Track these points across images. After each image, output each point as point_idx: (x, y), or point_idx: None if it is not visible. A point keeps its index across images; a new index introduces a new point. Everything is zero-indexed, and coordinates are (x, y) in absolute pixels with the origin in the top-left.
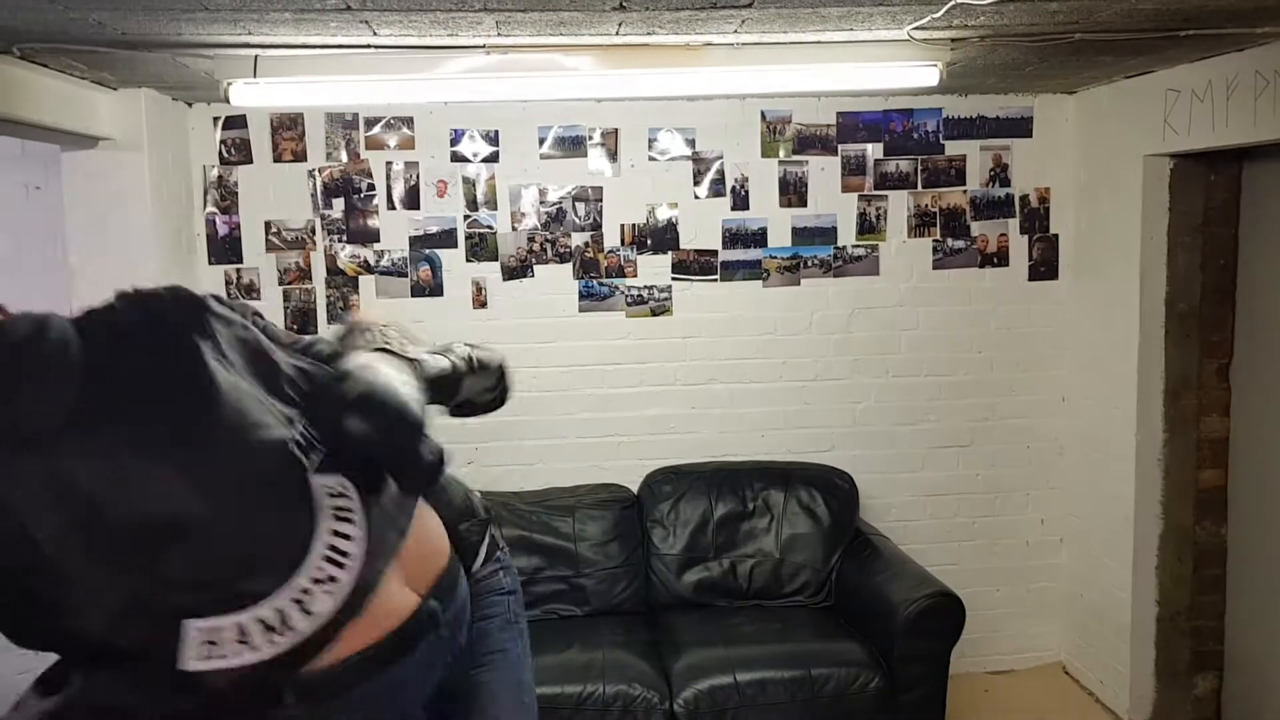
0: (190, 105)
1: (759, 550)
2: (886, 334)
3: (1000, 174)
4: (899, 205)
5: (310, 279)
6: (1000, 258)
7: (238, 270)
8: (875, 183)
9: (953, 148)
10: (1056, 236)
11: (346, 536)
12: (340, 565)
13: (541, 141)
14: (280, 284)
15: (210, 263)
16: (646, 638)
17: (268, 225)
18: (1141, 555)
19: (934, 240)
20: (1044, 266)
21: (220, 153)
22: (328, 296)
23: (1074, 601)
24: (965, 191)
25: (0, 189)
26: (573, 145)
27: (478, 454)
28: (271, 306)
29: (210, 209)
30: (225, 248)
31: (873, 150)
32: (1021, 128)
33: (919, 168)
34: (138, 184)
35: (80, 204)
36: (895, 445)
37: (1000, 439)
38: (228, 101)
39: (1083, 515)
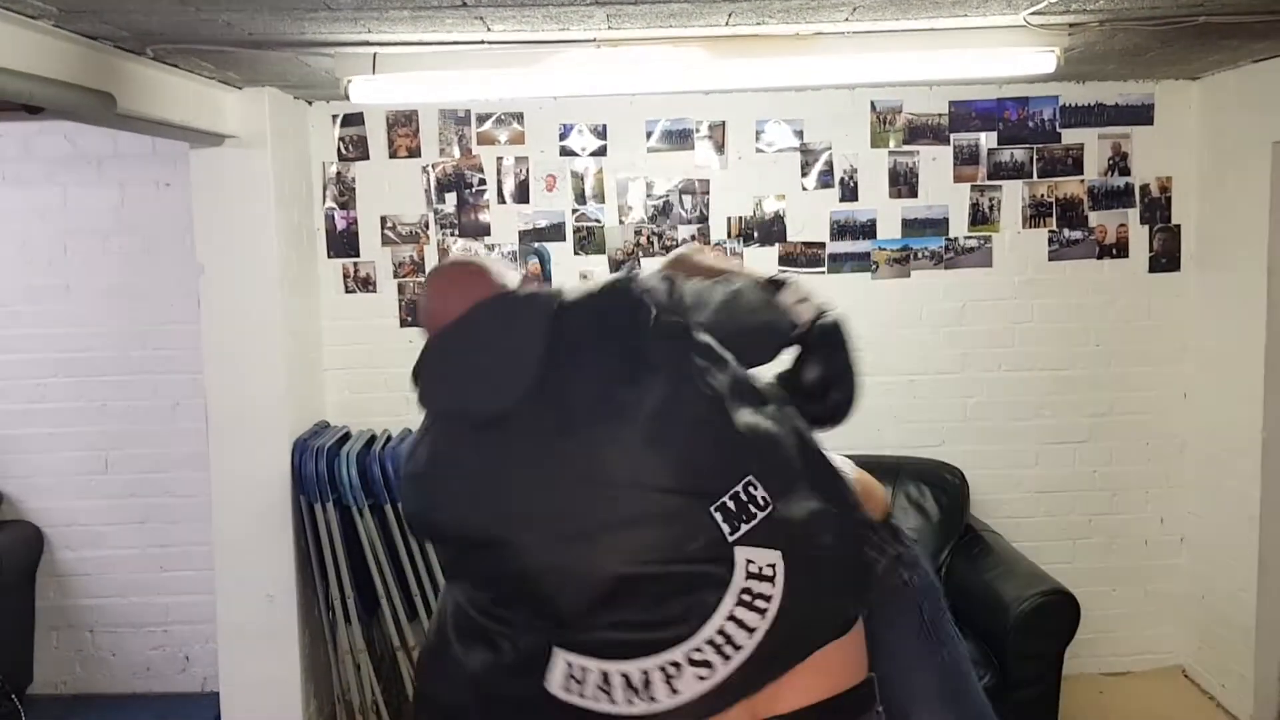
0: (310, 104)
1: None
2: (999, 327)
3: (1119, 163)
4: (1013, 195)
5: (423, 272)
6: (1119, 249)
7: (354, 264)
8: (989, 172)
9: (1070, 136)
10: (1179, 227)
11: (746, 627)
12: (725, 655)
13: (649, 135)
14: (395, 277)
15: (329, 256)
16: None
17: (383, 220)
18: (1268, 555)
19: (1050, 231)
20: (1165, 258)
21: (339, 149)
22: None
23: (1194, 603)
24: (1083, 181)
25: (132, 186)
26: (680, 138)
27: None
28: (386, 299)
29: (329, 204)
30: (343, 242)
31: (986, 139)
32: (1142, 115)
33: (1034, 157)
34: (261, 180)
35: (207, 200)
36: (1008, 440)
37: (1118, 435)
38: (347, 98)
39: (1204, 514)
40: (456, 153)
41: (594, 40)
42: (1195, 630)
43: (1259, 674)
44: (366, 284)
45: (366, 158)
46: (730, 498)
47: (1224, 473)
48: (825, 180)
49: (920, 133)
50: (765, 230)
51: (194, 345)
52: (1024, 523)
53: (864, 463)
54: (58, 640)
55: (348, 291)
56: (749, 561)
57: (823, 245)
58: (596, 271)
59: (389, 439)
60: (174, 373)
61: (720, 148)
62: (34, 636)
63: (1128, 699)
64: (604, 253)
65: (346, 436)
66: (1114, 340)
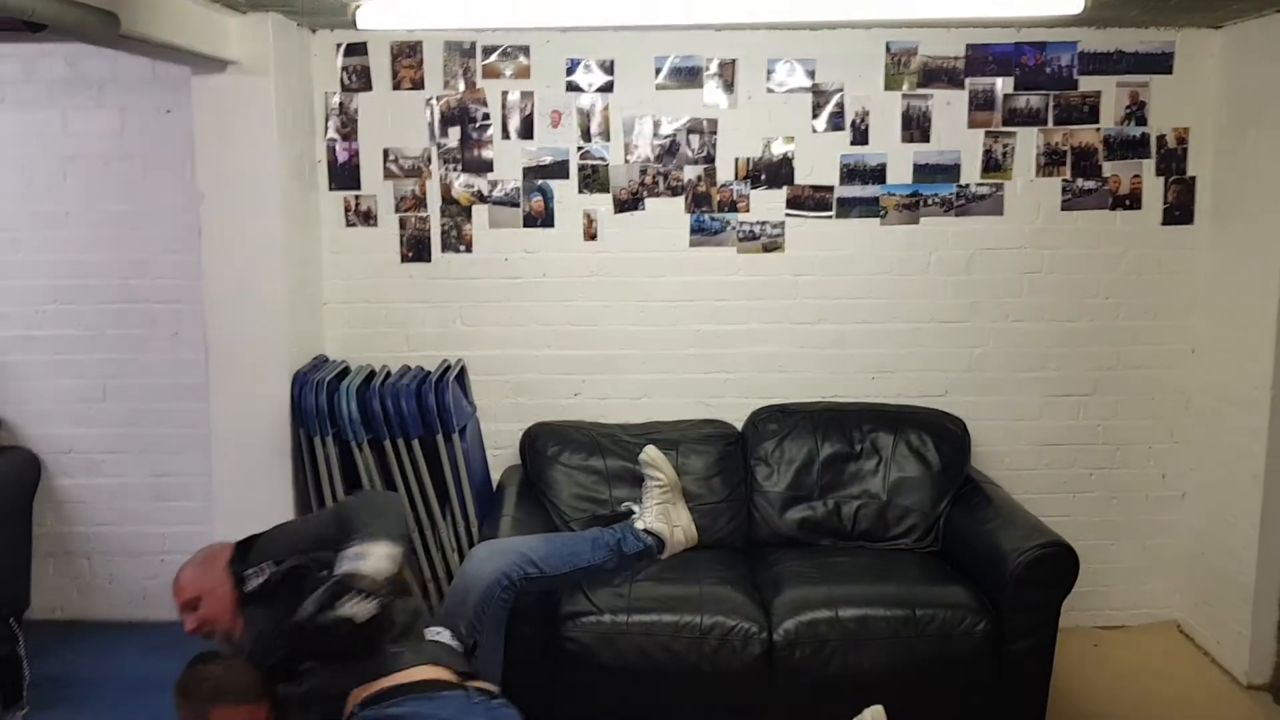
0: (314, 31)
1: (865, 492)
2: (1008, 277)
3: (1136, 112)
4: (1027, 143)
5: (425, 207)
6: (1133, 200)
7: (356, 197)
8: (1003, 118)
9: (1087, 83)
10: (1194, 179)
11: None
12: None
13: (657, 72)
14: (396, 211)
15: (330, 189)
16: (747, 572)
17: (386, 153)
18: (1270, 514)
19: (1063, 180)
20: (1179, 210)
21: (341, 80)
22: (442, 225)
23: (1194, 559)
24: (1098, 130)
25: (133, 112)
26: (689, 76)
27: (584, 385)
28: (388, 234)
29: (331, 135)
30: (344, 174)
31: (1002, 84)
32: (1162, 63)
33: (1050, 104)
34: (263, 108)
35: (209, 127)
36: (1012, 392)
37: (1123, 389)
38: (354, 24)
39: (1207, 471)
40: (461, 86)
41: None
42: (1193, 586)
43: (1256, 631)
44: (368, 218)
45: (369, 89)
46: None
47: (1229, 430)
48: (836, 123)
49: (935, 76)
50: (773, 172)
51: (194, 275)
52: (1025, 475)
53: (865, 410)
54: (55, 567)
55: (348, 225)
56: None
57: (831, 189)
58: (601, 210)
59: (388, 375)
60: (174, 302)
61: (730, 86)
62: (31, 563)
63: (1123, 651)
64: (608, 191)
65: (345, 371)
66: (1123, 293)
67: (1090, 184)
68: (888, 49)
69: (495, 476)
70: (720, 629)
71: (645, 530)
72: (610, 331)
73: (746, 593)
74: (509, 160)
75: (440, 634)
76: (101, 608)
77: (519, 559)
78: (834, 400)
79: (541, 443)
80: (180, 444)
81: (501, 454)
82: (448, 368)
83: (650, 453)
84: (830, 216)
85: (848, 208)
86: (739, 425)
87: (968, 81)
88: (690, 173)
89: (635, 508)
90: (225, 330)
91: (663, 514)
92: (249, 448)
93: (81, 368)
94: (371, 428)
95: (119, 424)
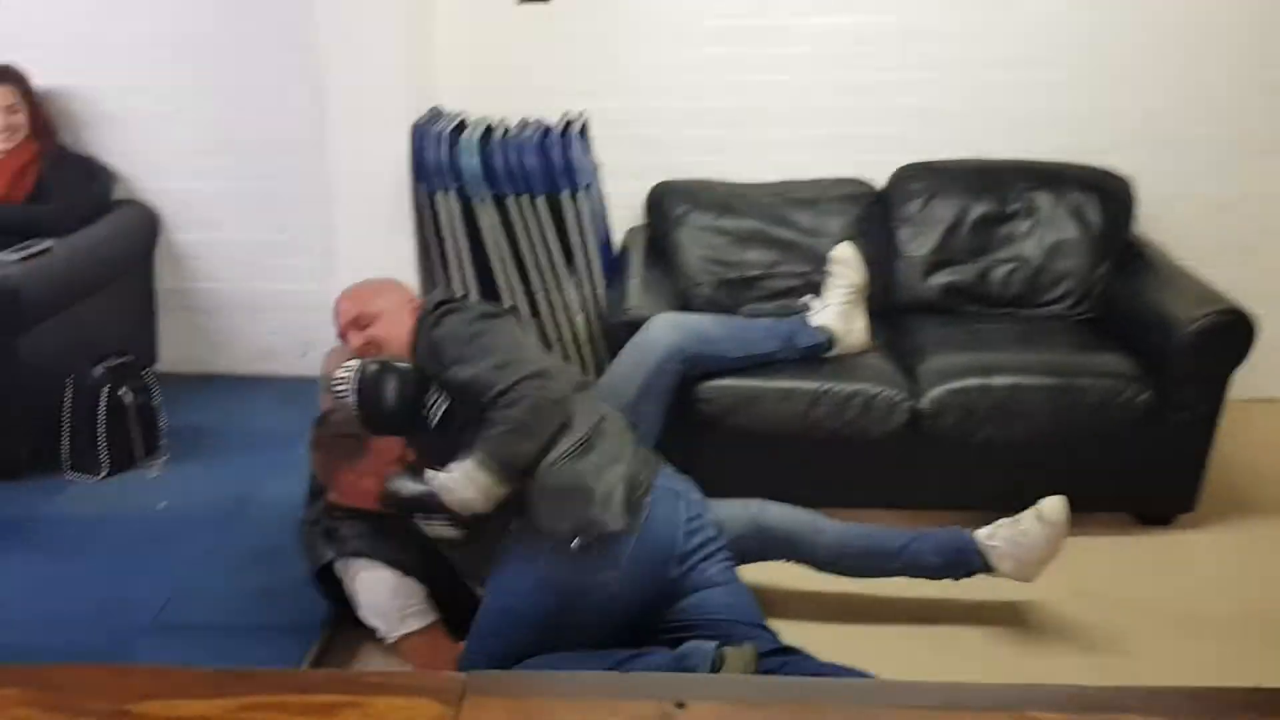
0: None
1: (1017, 255)
2: (1188, 17)
3: None
4: None
5: None
6: None
7: None
8: None
9: None
10: None
11: None
12: None
13: None
14: None
15: None
16: (889, 339)
17: None
18: None
19: None
20: None
21: None
22: None
23: None
24: None
25: None
26: None
27: (715, 140)
28: None
29: None
30: None
31: None
32: None
33: None
34: None
35: None
36: (1185, 149)
37: None
38: None
39: None
40: None
41: None
42: None
43: None
44: None
45: None
46: None
47: None
48: None
49: None
50: None
51: (307, 19)
52: (1195, 240)
53: (1021, 168)
54: (179, 322)
55: None
56: None
57: None
58: None
59: (507, 129)
60: (286, 50)
61: None
62: (157, 316)
63: None
64: None
65: (463, 125)
66: None
67: None
68: None
69: (618, 237)
70: (863, 396)
71: (820, 327)
72: (743, 81)
73: (889, 358)
74: None
75: None
76: (226, 362)
77: (695, 337)
78: (988, 157)
79: (668, 202)
80: (296, 198)
81: (625, 213)
82: (570, 122)
83: (843, 250)
84: None
85: None
86: (882, 184)
87: None
88: None
89: (813, 303)
90: (341, 78)
91: (843, 315)
92: (368, 203)
93: (192, 118)
94: (494, 184)
95: (233, 177)
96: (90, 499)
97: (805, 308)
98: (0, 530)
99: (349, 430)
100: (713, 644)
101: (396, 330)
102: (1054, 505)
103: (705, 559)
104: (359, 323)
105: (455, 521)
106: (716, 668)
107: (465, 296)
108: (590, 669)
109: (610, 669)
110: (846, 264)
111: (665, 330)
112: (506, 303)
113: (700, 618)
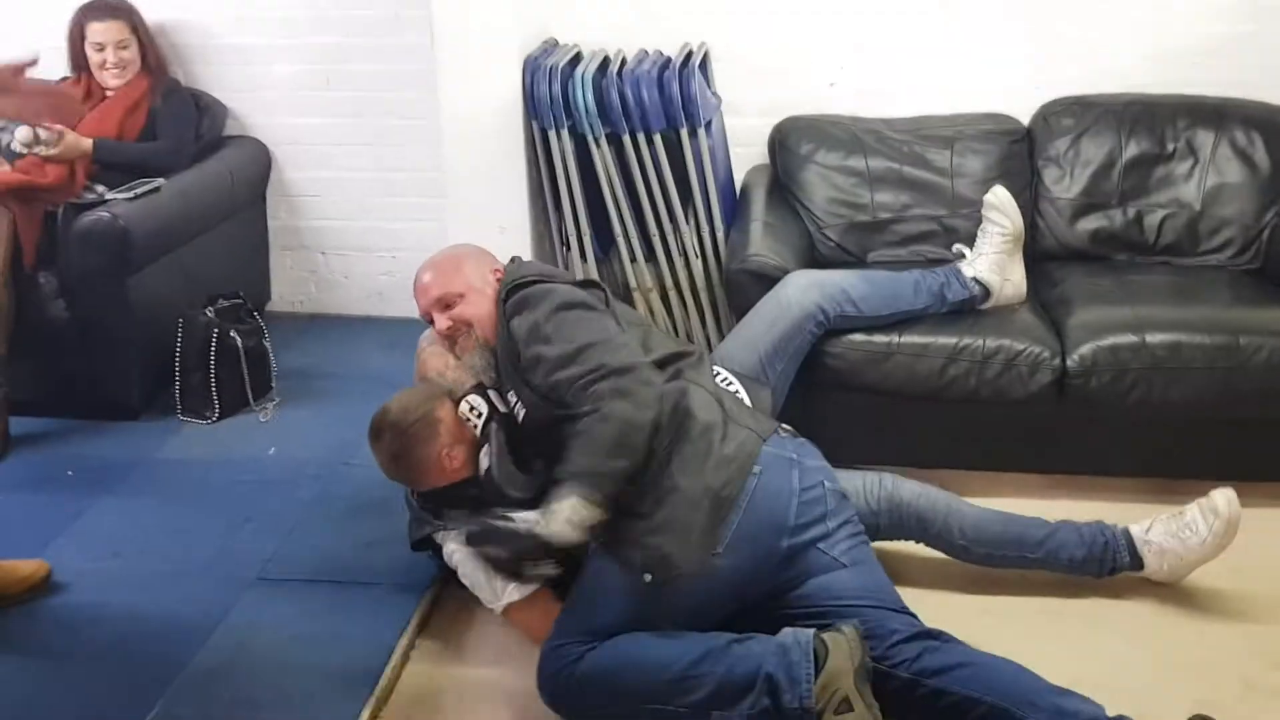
0: None
1: (1174, 200)
2: None
3: None
4: None
5: None
6: None
7: None
8: None
9: None
10: None
11: None
12: None
13: None
14: None
15: None
16: (1030, 289)
17: None
18: None
19: None
20: None
21: None
22: None
23: None
24: None
25: None
26: None
27: (843, 74)
28: None
29: None
30: None
31: None
32: None
33: None
34: None
35: None
36: None
37: None
38: None
39: None
40: None
41: None
42: None
43: None
44: None
45: None
46: None
47: None
48: None
49: None
50: None
51: None
52: None
53: (1182, 103)
54: (291, 261)
55: None
56: None
57: None
58: None
59: (624, 62)
60: None
61: None
62: (269, 256)
63: None
64: None
65: (579, 58)
66: None
67: None
68: None
69: (739, 176)
70: (1006, 353)
71: (974, 279)
72: (875, 6)
73: (1033, 311)
74: None
75: (730, 383)
76: (338, 302)
77: (839, 295)
78: (1144, 92)
79: (794, 139)
80: (407, 135)
81: (747, 152)
82: (690, 53)
83: (999, 194)
84: None
85: None
86: (1026, 120)
87: None
88: None
89: (966, 251)
90: (450, 7)
91: (997, 265)
92: (480, 140)
93: (302, 53)
94: (609, 120)
95: (344, 114)
96: (202, 442)
97: (960, 256)
98: (117, 472)
99: None
100: (810, 632)
101: (485, 308)
102: (1226, 498)
103: (826, 535)
104: (444, 302)
105: (555, 557)
106: (820, 660)
107: (541, 276)
108: (679, 655)
109: (700, 658)
110: (1002, 209)
111: (804, 289)
112: (622, 247)
113: (828, 604)
